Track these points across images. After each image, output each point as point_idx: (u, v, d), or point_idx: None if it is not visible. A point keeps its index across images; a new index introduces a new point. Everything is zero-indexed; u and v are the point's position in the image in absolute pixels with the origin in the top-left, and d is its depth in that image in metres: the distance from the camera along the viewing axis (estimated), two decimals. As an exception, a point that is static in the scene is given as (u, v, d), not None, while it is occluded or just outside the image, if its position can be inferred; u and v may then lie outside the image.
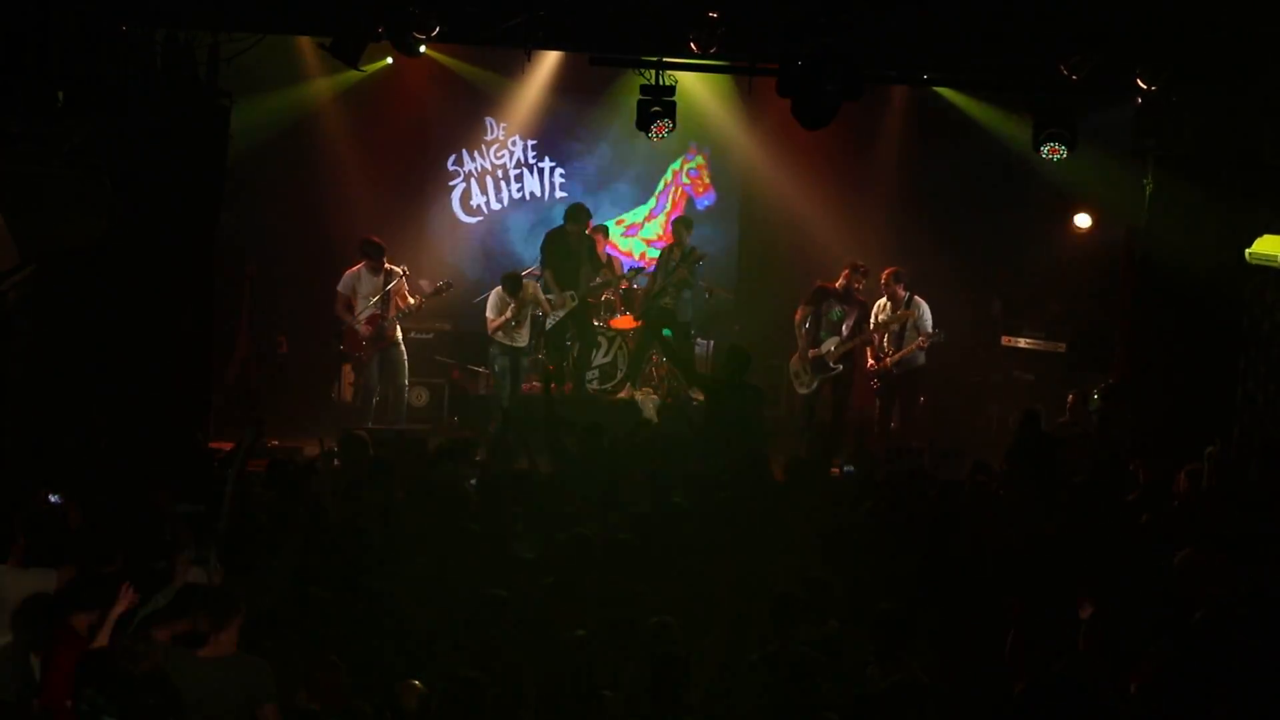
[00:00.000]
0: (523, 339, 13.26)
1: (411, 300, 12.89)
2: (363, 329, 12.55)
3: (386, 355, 12.76)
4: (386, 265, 12.74)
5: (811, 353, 12.94)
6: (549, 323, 13.42)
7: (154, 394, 11.18)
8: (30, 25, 8.57)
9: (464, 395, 14.11)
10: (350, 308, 12.71)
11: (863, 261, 13.05)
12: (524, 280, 13.26)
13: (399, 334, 12.83)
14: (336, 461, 10.01)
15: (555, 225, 13.88)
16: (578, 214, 13.67)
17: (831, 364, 12.90)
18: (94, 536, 7.34)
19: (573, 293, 13.42)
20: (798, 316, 13.09)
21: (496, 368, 13.30)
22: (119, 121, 9.82)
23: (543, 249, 13.68)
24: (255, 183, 13.22)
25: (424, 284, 13.72)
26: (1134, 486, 9.30)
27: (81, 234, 8.49)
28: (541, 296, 13.28)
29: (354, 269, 12.78)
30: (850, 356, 12.96)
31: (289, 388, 13.60)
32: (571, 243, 13.51)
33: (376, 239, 12.81)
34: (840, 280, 12.99)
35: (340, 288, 12.77)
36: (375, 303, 12.65)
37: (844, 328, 12.89)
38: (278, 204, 14.10)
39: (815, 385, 13.00)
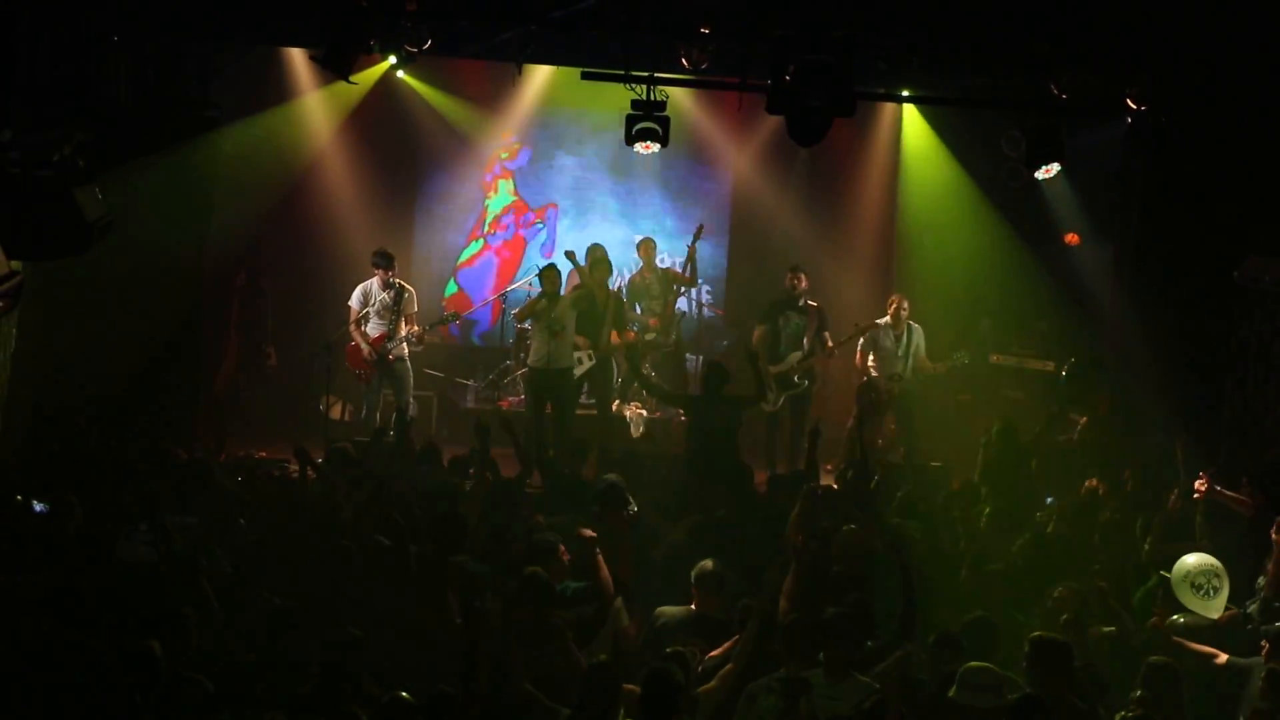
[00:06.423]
0: (540, 357, 12.24)
1: (416, 329, 12.56)
2: (372, 342, 12.42)
3: (391, 372, 12.50)
4: (397, 281, 12.54)
5: (774, 370, 12.67)
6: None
7: (142, 404, 11.17)
8: (20, 35, 8.57)
9: (452, 408, 14.08)
10: (360, 322, 12.47)
11: (801, 264, 12.97)
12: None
13: (405, 350, 12.57)
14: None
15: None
16: (599, 265, 13.04)
17: (795, 379, 12.77)
18: None
19: (590, 351, 12.88)
20: (755, 336, 12.83)
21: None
22: (109, 132, 9.82)
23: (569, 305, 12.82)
24: (245, 194, 13.18)
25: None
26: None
27: (70, 244, 8.48)
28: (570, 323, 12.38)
29: (365, 282, 12.59)
30: (812, 371, 12.85)
31: (277, 399, 13.57)
32: (598, 304, 12.80)
33: (388, 250, 12.57)
34: (785, 285, 12.86)
35: (351, 302, 12.55)
36: (384, 321, 12.43)
37: (804, 340, 12.76)
38: (267, 215, 14.04)
39: (781, 401, 12.77)
